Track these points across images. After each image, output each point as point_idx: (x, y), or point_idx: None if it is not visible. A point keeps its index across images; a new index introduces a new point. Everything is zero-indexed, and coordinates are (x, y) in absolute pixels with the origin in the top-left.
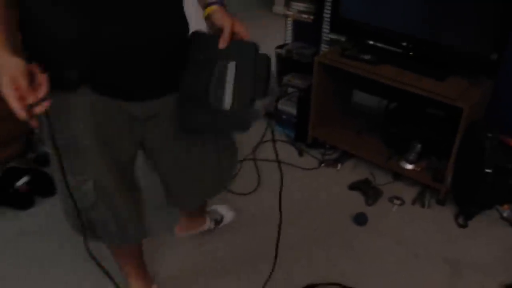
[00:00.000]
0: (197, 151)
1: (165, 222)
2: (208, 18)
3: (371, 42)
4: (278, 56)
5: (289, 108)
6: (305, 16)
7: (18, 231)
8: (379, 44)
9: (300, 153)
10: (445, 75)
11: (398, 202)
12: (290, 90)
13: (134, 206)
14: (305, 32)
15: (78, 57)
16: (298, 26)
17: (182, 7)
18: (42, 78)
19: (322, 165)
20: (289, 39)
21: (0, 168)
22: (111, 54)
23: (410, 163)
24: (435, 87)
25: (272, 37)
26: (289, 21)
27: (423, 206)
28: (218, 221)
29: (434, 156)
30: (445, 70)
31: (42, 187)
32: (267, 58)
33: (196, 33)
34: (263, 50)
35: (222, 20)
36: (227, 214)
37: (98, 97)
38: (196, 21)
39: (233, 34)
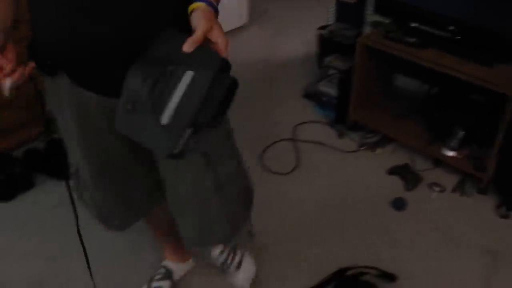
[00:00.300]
0: (178, 175)
1: None
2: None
3: (416, 25)
4: (320, 37)
5: (329, 89)
6: None
7: (58, 201)
8: (424, 27)
9: (340, 135)
10: (492, 61)
11: (438, 189)
12: (331, 71)
13: (115, 201)
14: (348, 13)
15: (53, 46)
16: (341, 7)
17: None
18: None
19: (362, 148)
20: (331, 20)
21: (43, 139)
22: (85, 47)
23: (452, 150)
24: (481, 73)
25: (314, 18)
26: (333, 1)
27: (463, 194)
28: (228, 265)
29: (476, 144)
30: (492, 56)
31: None
32: (231, 80)
33: (169, 29)
34: (304, 31)
35: (199, 20)
36: (244, 273)
37: (77, 88)
38: None
39: (210, 42)
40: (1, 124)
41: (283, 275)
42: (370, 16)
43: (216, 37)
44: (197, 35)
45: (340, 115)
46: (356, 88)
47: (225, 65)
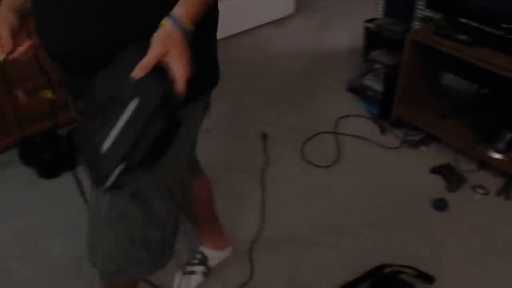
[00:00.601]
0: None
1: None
2: None
3: (468, 22)
4: (367, 30)
5: (374, 84)
6: None
7: None
8: (476, 24)
9: (383, 131)
10: None
11: (481, 191)
12: (376, 66)
13: None
14: (397, 7)
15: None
16: (390, 0)
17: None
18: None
19: (404, 145)
20: (379, 13)
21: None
22: (56, 47)
23: (498, 152)
24: None
25: (361, 10)
26: None
27: (508, 198)
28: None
29: None
30: None
31: None
32: (169, 119)
33: (139, 42)
34: (351, 23)
35: (153, 43)
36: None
37: None
38: None
39: (170, 70)
40: (46, 103)
41: (321, 269)
42: (421, 10)
43: (172, 65)
44: (145, 61)
45: (384, 111)
46: (402, 84)
47: (169, 99)
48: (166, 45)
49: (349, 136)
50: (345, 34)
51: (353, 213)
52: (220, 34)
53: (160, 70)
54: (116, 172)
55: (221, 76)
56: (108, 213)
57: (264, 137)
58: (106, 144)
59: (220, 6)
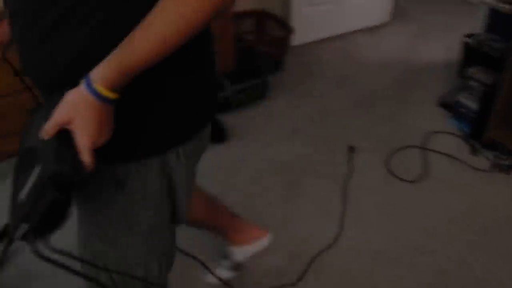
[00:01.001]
0: None
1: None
2: None
3: None
4: (466, 45)
5: (469, 102)
6: (504, 6)
7: None
8: None
9: (473, 152)
10: None
11: None
12: (471, 83)
13: None
14: (500, 23)
15: None
16: (494, 16)
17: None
18: None
19: (495, 169)
20: (480, 29)
21: None
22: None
23: None
24: None
25: (460, 24)
26: (484, 10)
27: None
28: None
29: None
30: None
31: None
32: (57, 197)
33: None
34: (448, 36)
35: (61, 104)
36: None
37: None
38: None
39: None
40: None
41: (395, 286)
42: None
43: (75, 134)
44: (48, 125)
45: (476, 130)
46: (500, 105)
47: (66, 173)
48: (73, 110)
49: (437, 153)
50: (441, 46)
51: (435, 232)
52: (314, 36)
53: (67, 136)
54: (21, 230)
55: (309, 78)
56: (82, 253)
57: (351, 149)
58: (22, 195)
59: (316, 9)
